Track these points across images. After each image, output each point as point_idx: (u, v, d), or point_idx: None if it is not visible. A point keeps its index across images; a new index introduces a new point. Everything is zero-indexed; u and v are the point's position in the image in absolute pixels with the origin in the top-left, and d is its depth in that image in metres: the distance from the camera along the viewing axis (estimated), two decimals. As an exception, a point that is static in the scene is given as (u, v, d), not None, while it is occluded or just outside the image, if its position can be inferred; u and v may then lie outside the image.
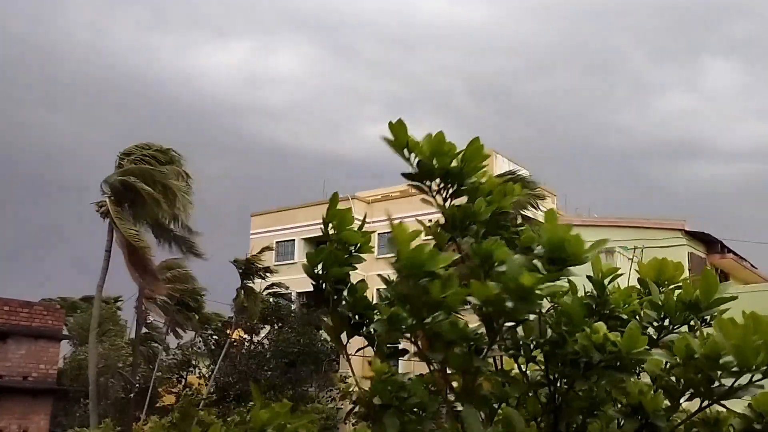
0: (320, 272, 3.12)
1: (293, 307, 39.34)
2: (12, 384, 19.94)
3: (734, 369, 2.16)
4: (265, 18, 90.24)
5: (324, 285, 3.16)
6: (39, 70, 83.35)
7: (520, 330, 2.60)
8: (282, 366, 32.31)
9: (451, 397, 2.66)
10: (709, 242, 24.73)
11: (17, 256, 69.61)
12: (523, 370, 2.61)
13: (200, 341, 38.90)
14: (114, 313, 38.90)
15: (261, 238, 44.48)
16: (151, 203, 23.79)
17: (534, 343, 2.50)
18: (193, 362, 37.81)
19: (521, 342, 2.53)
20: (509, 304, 2.31)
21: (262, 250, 33.89)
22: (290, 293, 39.52)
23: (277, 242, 43.89)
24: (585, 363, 2.33)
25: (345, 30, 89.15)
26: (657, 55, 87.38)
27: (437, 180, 2.39)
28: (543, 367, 2.51)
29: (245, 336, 35.65)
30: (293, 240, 43.56)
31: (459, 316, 2.53)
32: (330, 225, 3.10)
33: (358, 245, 3.14)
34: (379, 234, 42.34)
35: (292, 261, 41.94)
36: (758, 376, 2.17)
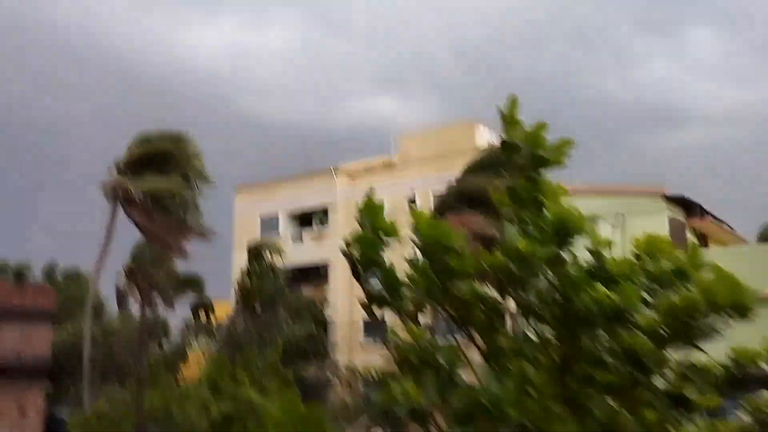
0: (356, 253, 3.49)
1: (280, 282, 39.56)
2: (7, 365, 20.10)
3: (704, 311, 2.59)
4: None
5: (358, 264, 3.52)
6: (26, 47, 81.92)
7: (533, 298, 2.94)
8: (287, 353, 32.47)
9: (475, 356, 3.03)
10: (688, 206, 25.30)
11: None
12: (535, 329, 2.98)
13: (193, 321, 39.16)
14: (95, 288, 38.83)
15: (245, 212, 44.54)
16: (164, 186, 24.28)
17: (544, 305, 2.87)
18: (190, 343, 38.04)
19: (533, 305, 2.90)
20: (513, 267, 2.66)
21: (258, 248, 33.74)
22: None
23: (261, 216, 43.99)
24: (587, 319, 2.71)
25: (333, 4, 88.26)
26: (641, 25, 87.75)
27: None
28: (552, 327, 2.88)
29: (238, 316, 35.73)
30: (277, 214, 43.67)
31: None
32: (363, 215, 3.51)
33: (388, 232, 3.53)
34: (362, 206, 42.72)
35: (277, 235, 42.11)
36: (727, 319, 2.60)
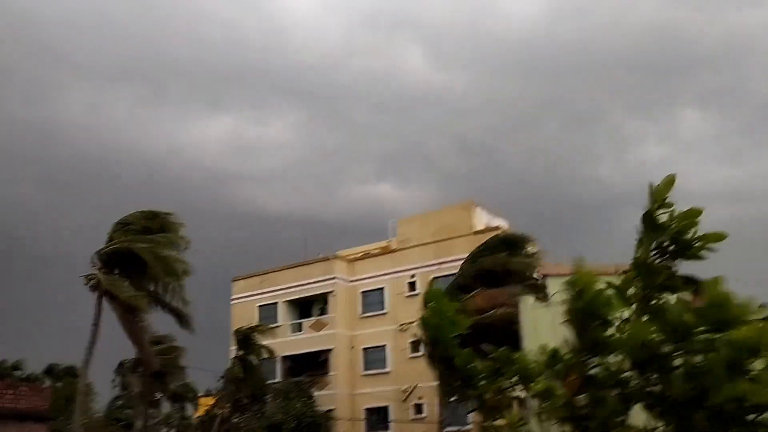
0: (429, 337, 3.25)
1: (277, 373, 38.67)
2: (-2, 469, 19.17)
3: None
4: (255, 88, 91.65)
5: (433, 349, 3.27)
6: (32, 148, 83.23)
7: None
8: None
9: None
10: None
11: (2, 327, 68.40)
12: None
13: (177, 415, 37.98)
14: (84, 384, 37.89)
15: (242, 302, 43.97)
16: (143, 273, 23.56)
17: (677, 393, 2.59)
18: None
19: (663, 391, 2.62)
20: (666, 348, 2.43)
21: (258, 326, 33.32)
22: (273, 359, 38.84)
23: (259, 306, 43.38)
24: (722, 414, 2.44)
25: (333, 96, 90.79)
26: (633, 108, 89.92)
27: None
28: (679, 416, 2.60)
29: (226, 408, 34.67)
30: (276, 303, 43.09)
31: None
32: (429, 301, 3.28)
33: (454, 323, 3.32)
34: (362, 292, 42.23)
35: (275, 324, 41.42)
36: None
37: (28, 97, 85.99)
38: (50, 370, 43.42)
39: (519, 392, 2.72)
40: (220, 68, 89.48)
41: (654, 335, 2.09)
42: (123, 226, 24.57)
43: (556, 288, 21.53)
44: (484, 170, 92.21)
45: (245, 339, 31.77)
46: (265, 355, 33.55)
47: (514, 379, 2.76)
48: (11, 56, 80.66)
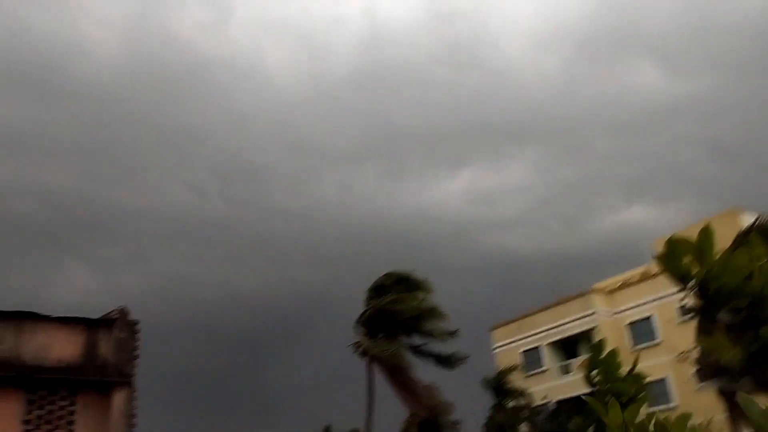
0: None
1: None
2: None
3: None
4: (489, 138, 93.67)
5: None
6: (299, 232, 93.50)
7: None
8: None
9: None
10: None
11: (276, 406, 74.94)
12: None
13: None
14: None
15: (505, 350, 43.30)
16: (404, 332, 24.51)
17: None
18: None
19: None
20: None
21: (509, 369, 32.49)
22: (547, 403, 37.28)
23: (522, 352, 42.38)
24: None
25: (568, 130, 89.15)
26: None
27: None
28: None
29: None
30: (538, 347, 41.78)
31: None
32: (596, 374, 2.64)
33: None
34: (628, 324, 39.36)
35: (541, 369, 40.09)
36: None
37: (290, 188, 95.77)
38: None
39: None
40: (452, 128, 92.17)
41: None
42: (376, 291, 25.70)
43: None
44: (748, 173, 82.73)
45: (498, 385, 31.00)
46: (525, 400, 32.30)
47: None
48: (273, 155, 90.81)
